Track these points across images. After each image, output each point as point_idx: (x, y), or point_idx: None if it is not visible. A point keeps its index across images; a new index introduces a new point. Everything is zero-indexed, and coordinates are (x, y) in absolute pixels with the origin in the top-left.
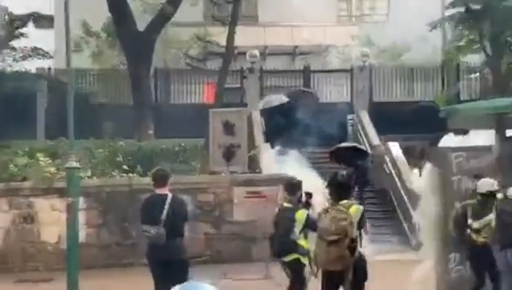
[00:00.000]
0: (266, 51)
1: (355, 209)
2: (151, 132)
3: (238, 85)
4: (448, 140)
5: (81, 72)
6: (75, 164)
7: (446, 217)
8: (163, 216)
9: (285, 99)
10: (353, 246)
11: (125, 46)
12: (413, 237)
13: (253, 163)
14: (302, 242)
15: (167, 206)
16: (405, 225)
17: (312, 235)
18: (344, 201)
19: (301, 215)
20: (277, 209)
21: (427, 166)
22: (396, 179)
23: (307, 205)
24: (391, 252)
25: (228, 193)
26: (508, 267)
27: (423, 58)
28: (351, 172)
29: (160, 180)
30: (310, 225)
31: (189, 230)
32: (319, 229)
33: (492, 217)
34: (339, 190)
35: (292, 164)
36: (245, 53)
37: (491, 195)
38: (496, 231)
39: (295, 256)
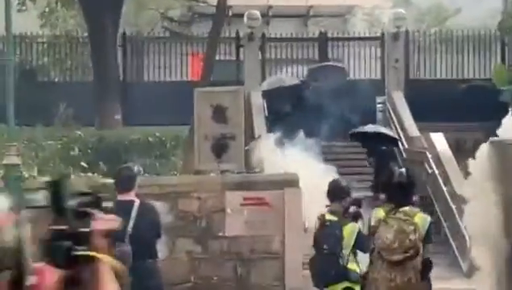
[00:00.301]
0: (270, 13)
1: (422, 219)
2: (118, 118)
3: (233, 58)
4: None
5: (27, 39)
6: (16, 160)
7: (510, 234)
8: (129, 230)
9: (296, 80)
10: (428, 267)
11: (85, 5)
12: (464, 259)
13: (251, 160)
14: (353, 265)
15: (133, 217)
16: (453, 244)
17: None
18: (407, 208)
19: (350, 231)
20: (317, 223)
21: (481, 152)
22: (441, 182)
23: (357, 216)
24: (436, 279)
25: (218, 199)
26: None
27: (476, 23)
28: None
29: (125, 182)
30: (360, 244)
31: (166, 248)
32: (376, 246)
33: None
34: (400, 193)
35: (296, 156)
36: (242, 15)
37: None
38: None
39: (345, 285)
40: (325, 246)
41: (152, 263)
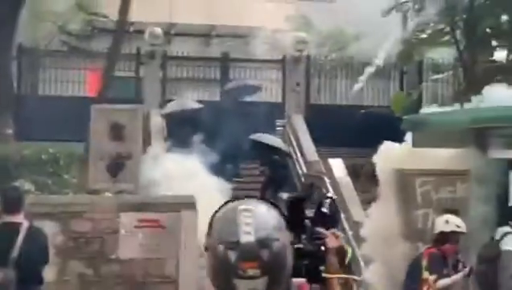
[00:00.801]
0: (172, 31)
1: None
2: (10, 132)
3: (133, 74)
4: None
5: None
6: None
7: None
8: (14, 254)
9: (197, 104)
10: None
11: None
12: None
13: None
14: None
15: (20, 240)
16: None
17: None
18: None
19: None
20: None
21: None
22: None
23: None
24: None
25: (112, 221)
26: None
27: (376, 51)
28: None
29: (11, 203)
30: None
31: (56, 271)
32: None
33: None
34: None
35: (191, 175)
36: (143, 32)
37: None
38: None
39: None
40: None
41: (37, 289)
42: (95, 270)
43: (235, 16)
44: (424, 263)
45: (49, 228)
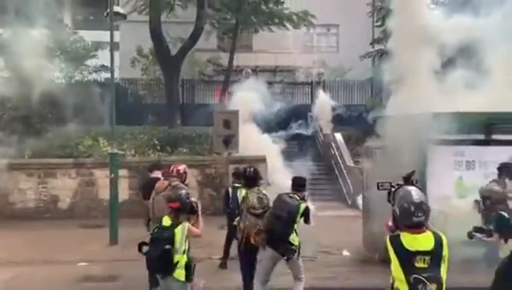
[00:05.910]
0: (257, 69)
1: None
2: (178, 121)
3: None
4: None
5: (135, 81)
6: (115, 151)
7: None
8: None
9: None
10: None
11: (163, 64)
12: (349, 197)
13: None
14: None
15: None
16: (344, 189)
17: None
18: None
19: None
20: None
21: None
22: (338, 157)
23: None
24: (333, 208)
25: (225, 168)
26: None
27: (359, 75)
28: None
29: (155, 167)
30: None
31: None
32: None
33: None
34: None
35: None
36: (242, 70)
37: None
38: None
39: None
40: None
41: None
42: (217, 193)
43: (288, 60)
44: None
45: (194, 172)
